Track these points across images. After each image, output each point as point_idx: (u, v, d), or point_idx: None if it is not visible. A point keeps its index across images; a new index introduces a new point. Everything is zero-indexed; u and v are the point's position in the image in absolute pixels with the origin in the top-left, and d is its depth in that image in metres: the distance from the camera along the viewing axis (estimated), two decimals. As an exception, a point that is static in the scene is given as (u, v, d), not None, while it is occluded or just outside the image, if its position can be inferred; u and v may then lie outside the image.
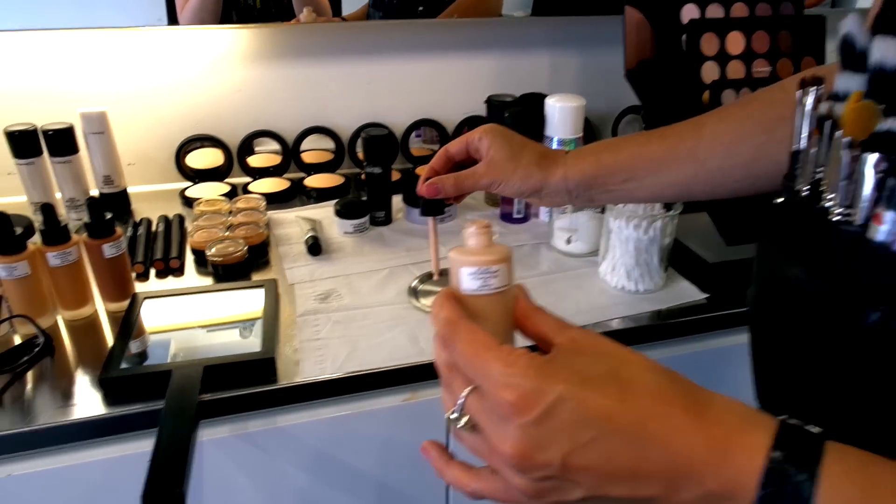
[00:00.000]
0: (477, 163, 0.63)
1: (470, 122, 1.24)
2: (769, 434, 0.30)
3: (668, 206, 0.81)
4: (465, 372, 0.34)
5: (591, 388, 0.31)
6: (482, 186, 0.63)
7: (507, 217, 1.02)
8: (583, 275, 0.87)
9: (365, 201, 0.98)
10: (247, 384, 0.66)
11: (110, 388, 0.65)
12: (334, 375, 0.68)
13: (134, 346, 0.70)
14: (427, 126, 1.23)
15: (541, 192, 0.63)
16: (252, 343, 0.70)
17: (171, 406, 0.60)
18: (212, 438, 0.66)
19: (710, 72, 0.92)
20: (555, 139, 0.96)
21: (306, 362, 0.69)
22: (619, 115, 1.32)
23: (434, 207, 0.66)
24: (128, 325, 0.72)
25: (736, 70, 0.93)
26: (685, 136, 0.61)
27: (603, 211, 0.89)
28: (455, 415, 0.34)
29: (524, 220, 1.02)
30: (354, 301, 0.80)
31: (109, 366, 0.65)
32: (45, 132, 0.94)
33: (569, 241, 0.88)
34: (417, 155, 1.23)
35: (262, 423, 0.68)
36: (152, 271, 0.87)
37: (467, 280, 0.35)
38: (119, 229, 0.76)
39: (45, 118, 0.96)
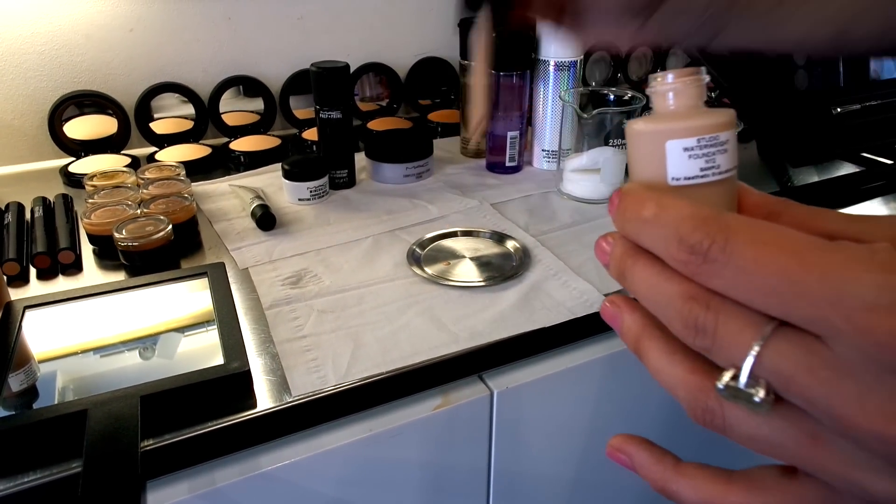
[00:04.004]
0: None
1: (427, 65, 1.03)
2: None
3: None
4: (757, 298, 0.18)
5: None
6: None
7: (497, 167, 0.83)
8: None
9: (321, 158, 0.76)
10: (211, 415, 0.43)
11: (-18, 453, 0.40)
12: (341, 386, 0.46)
13: (16, 382, 0.45)
14: (374, 73, 1.01)
15: None
16: (208, 354, 0.47)
17: (96, 465, 0.37)
18: (163, 506, 0.43)
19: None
20: (551, 62, 0.78)
21: (295, 371, 0.47)
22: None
23: None
24: (3, 349, 0.47)
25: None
26: None
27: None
28: (743, 380, 0.19)
29: (517, 169, 0.84)
30: (338, 281, 0.58)
31: (-23, 416, 0.40)
32: None
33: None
34: (365, 110, 1.01)
35: (236, 471, 0.45)
36: (32, 271, 0.61)
37: (680, 161, 0.21)
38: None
39: None
